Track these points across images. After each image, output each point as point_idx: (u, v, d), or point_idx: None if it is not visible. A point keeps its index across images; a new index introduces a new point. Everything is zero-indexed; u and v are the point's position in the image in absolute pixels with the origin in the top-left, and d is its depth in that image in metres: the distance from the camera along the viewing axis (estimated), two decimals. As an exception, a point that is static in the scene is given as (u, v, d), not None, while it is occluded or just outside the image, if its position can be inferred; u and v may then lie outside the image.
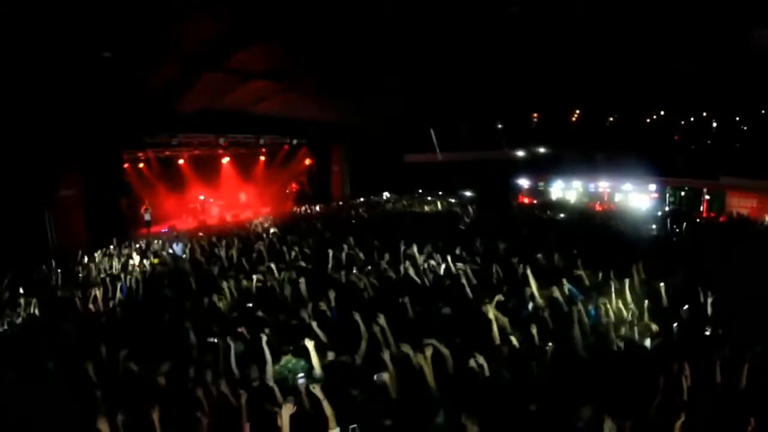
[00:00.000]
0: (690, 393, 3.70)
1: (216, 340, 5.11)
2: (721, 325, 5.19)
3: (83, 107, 12.85)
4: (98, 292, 7.74)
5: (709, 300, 5.50)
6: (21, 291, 8.46)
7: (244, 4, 8.88)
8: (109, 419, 3.46)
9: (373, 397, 3.85)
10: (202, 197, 20.57)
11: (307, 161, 24.04)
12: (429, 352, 4.06)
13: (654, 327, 5.01)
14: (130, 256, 11.00)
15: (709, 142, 24.69)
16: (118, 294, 7.85)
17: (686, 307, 5.52)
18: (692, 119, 25.07)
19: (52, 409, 4.20)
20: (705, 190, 20.21)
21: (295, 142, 22.52)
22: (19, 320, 7.31)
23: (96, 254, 11.28)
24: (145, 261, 10.70)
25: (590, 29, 11.77)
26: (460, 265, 7.60)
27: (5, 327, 7.08)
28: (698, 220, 15.62)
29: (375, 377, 3.97)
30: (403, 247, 8.85)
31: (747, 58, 13.55)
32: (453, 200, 21.33)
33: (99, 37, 9.08)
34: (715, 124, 24.74)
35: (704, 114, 24.59)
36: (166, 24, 9.09)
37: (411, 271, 7.43)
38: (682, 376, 3.76)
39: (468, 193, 23.88)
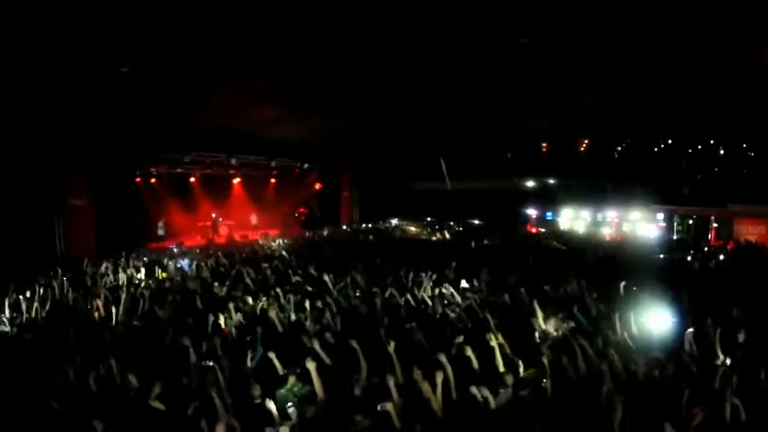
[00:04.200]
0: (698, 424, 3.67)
1: (217, 361, 5.11)
2: (729, 355, 5.14)
3: (98, 119, 13.17)
4: (102, 303, 7.77)
5: (717, 330, 5.44)
6: (26, 295, 8.51)
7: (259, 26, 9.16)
8: None
9: (377, 426, 3.82)
10: (214, 215, 20.75)
11: (317, 185, 24.22)
12: (440, 378, 4.05)
13: (660, 358, 4.96)
14: (137, 269, 11.06)
15: (716, 169, 24.64)
16: (122, 306, 7.74)
17: (693, 337, 5.48)
18: (699, 147, 25.07)
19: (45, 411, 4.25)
20: (713, 217, 20.03)
21: (306, 166, 22.77)
22: (19, 323, 7.40)
23: (103, 264, 11.31)
24: (151, 275, 10.76)
25: (597, 59, 11.95)
26: (467, 293, 7.61)
27: (8, 329, 7.18)
28: (706, 248, 15.45)
29: (379, 406, 3.93)
30: (410, 274, 8.88)
31: (753, 83, 13.61)
32: (461, 228, 21.31)
33: (117, 52, 9.37)
34: (722, 152, 24.73)
35: (711, 141, 24.59)
36: (182, 42, 9.38)
37: (418, 298, 7.45)
38: (689, 407, 3.73)
39: (476, 222, 23.85)
